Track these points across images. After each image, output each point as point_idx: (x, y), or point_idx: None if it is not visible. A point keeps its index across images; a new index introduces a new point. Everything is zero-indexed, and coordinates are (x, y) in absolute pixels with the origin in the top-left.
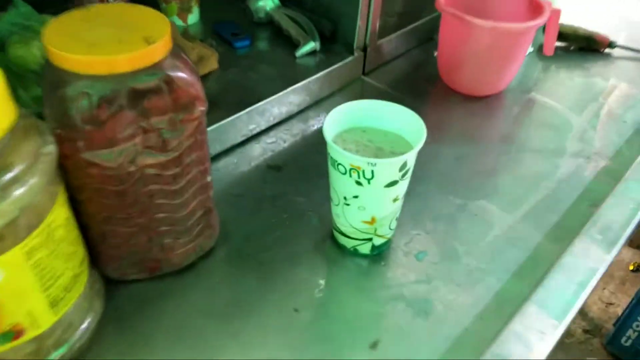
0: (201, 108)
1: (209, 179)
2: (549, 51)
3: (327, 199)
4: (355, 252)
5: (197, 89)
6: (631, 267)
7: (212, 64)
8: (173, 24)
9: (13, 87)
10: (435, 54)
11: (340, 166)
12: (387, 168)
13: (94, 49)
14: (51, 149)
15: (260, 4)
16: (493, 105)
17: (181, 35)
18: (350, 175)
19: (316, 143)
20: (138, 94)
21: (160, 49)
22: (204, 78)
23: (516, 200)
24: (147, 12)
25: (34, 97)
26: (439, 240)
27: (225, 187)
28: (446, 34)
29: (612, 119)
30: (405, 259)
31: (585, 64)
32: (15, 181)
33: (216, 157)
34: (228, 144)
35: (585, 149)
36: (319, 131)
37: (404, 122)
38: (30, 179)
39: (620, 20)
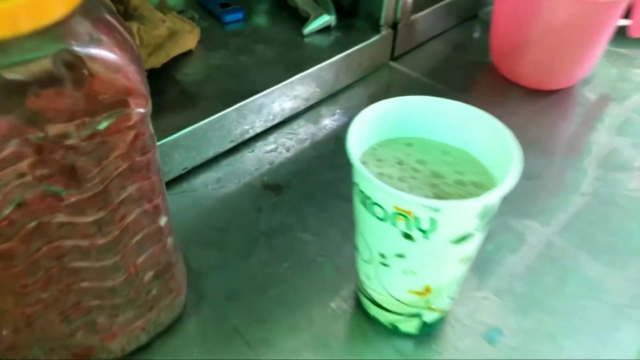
0: (140, 109)
1: (163, 221)
2: (637, 31)
3: (348, 239)
4: (394, 330)
5: (131, 76)
6: None
7: (187, 42)
8: None
9: None
10: (476, 34)
11: (376, 207)
12: (459, 215)
13: None
14: None
15: None
16: (565, 102)
17: (155, 7)
18: (395, 224)
19: (330, 152)
20: (13, 85)
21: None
22: (178, 62)
23: (616, 246)
24: None
25: None
26: (517, 309)
27: (203, 216)
28: (505, 5)
29: None
30: (469, 340)
31: None
32: None
33: (192, 172)
34: (210, 154)
35: None
36: (334, 135)
37: (473, 131)
38: None
39: None
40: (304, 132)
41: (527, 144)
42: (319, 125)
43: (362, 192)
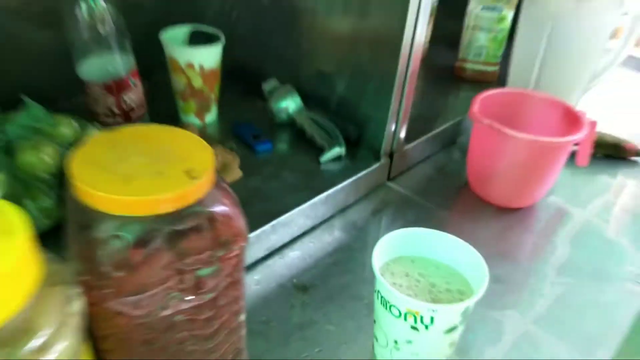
0: (242, 244)
1: (242, 318)
2: (583, 162)
3: (362, 331)
4: None
5: (239, 223)
6: None
7: (235, 172)
8: (192, 126)
9: (18, 197)
10: (456, 157)
11: (393, 308)
12: (449, 314)
13: (130, 187)
14: (79, 305)
15: (283, 105)
16: (528, 219)
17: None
18: (406, 319)
19: (344, 259)
20: (177, 234)
21: (204, 184)
22: None
23: (568, 332)
24: (184, 136)
25: (41, 208)
26: None
27: (250, 310)
28: (478, 145)
29: None
30: None
31: (616, 172)
32: (43, 349)
33: None
34: (251, 259)
35: (633, 271)
36: (346, 244)
37: (458, 254)
38: (59, 343)
39: None
40: (321, 242)
41: (497, 254)
42: (333, 235)
43: (382, 297)
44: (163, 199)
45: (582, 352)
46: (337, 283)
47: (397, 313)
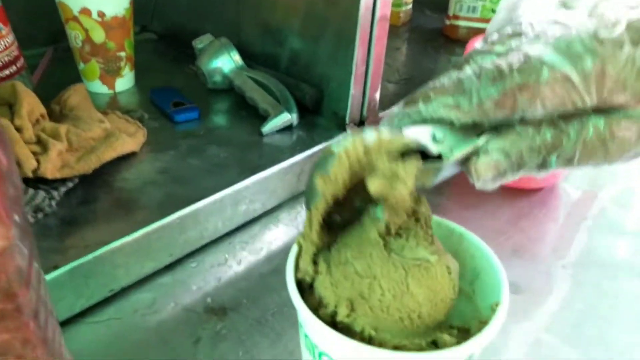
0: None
1: None
2: None
3: None
4: None
5: None
6: None
7: (124, 145)
8: (82, 87)
9: None
10: None
11: (325, 357)
12: None
13: None
14: None
15: (216, 64)
16: (548, 202)
17: (103, 108)
18: None
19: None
20: None
21: None
22: (117, 166)
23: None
24: None
25: None
26: None
27: (127, 353)
28: None
29: None
30: None
31: None
32: None
33: (122, 293)
34: (145, 270)
35: None
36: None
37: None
38: None
39: None
40: (259, 242)
41: (511, 252)
42: (277, 233)
43: (308, 338)
44: None
45: None
46: (275, 301)
47: None
